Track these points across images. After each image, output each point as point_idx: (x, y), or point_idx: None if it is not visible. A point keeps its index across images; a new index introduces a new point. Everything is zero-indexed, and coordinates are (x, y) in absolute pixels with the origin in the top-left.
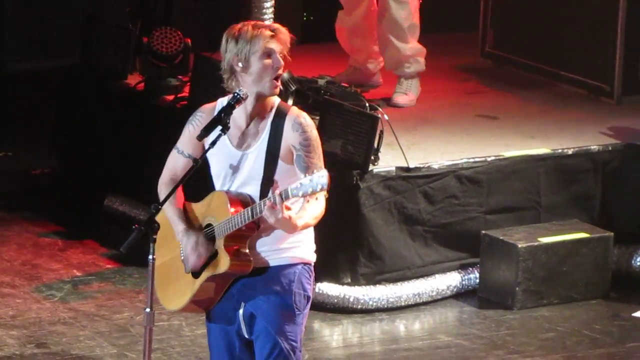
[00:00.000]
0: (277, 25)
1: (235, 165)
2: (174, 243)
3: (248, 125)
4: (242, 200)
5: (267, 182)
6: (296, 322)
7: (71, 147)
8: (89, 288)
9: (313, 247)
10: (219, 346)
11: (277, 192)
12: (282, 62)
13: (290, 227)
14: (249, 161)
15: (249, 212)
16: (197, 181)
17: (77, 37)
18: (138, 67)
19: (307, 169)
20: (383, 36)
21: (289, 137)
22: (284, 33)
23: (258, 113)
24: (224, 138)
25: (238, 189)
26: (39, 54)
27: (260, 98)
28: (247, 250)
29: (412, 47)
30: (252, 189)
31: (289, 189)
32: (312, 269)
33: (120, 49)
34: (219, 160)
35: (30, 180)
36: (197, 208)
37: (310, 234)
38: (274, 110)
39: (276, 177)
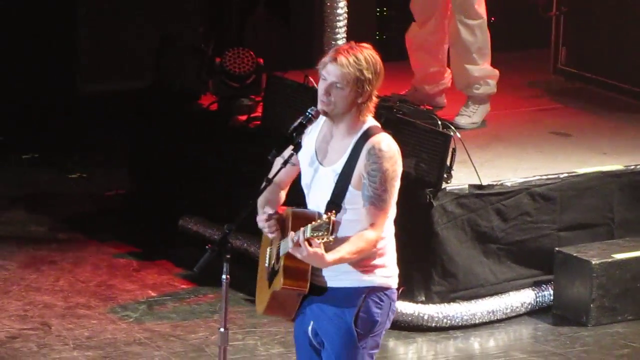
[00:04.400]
0: (340, 54)
1: (315, 179)
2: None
3: (331, 141)
4: (306, 219)
5: (332, 206)
6: (357, 346)
7: (146, 168)
8: (164, 308)
9: (390, 272)
10: (302, 341)
11: (302, 229)
12: (326, 86)
13: (319, 263)
14: (327, 179)
15: (298, 236)
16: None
17: (150, 59)
18: (211, 87)
19: (368, 200)
20: (453, 58)
21: (362, 164)
22: (339, 62)
23: (342, 131)
24: (312, 152)
25: (313, 205)
26: (113, 76)
27: (337, 116)
28: (308, 269)
29: (481, 69)
30: (323, 209)
31: (308, 227)
32: (387, 294)
33: (193, 69)
34: (305, 172)
35: (104, 202)
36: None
37: (389, 258)
38: (361, 132)
39: (345, 202)
